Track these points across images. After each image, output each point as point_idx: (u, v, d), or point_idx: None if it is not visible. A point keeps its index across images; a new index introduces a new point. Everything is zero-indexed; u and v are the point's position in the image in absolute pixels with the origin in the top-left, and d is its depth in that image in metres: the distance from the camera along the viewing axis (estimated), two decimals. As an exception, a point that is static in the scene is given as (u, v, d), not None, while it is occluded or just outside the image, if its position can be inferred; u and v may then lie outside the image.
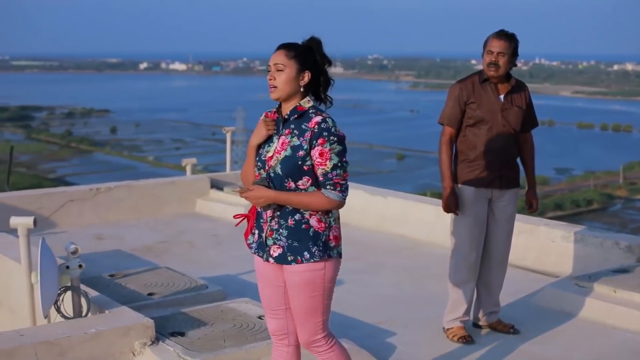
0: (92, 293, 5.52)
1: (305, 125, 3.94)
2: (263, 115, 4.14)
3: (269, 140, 4.05)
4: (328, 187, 3.91)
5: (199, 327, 5.38)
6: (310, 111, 3.99)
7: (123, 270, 7.02)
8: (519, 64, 5.87)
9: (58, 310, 5.24)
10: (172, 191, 10.22)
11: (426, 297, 6.83)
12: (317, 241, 3.93)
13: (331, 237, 3.99)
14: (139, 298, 6.14)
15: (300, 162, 3.90)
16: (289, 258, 3.94)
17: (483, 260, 5.86)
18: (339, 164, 3.92)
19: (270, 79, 4.01)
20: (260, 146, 4.09)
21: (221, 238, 8.99)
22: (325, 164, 3.89)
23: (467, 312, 5.80)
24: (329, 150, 3.89)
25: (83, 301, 5.28)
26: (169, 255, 8.19)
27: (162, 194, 10.16)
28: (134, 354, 5.00)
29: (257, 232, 4.09)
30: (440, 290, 6.44)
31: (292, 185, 3.92)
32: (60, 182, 65.27)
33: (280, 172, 3.93)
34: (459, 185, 5.76)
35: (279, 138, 4.00)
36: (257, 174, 4.05)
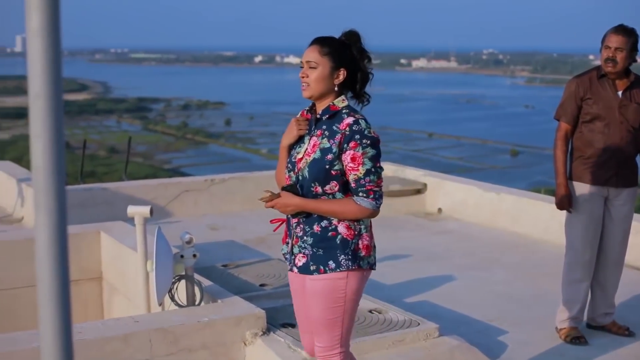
0: (206, 282, 5.60)
1: (336, 127, 3.68)
2: (299, 114, 3.93)
3: (300, 140, 3.83)
4: (360, 194, 3.62)
5: (310, 319, 5.40)
6: (344, 111, 3.72)
7: (236, 260, 7.10)
8: (639, 59, 5.68)
9: (172, 298, 5.34)
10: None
11: (539, 295, 6.69)
12: (345, 249, 3.65)
13: (361, 246, 3.69)
14: (251, 288, 6.20)
15: (328, 166, 3.64)
16: (312, 268, 3.69)
17: (598, 260, 5.70)
18: (373, 170, 3.62)
19: (302, 77, 3.76)
20: (292, 147, 3.87)
21: (332, 231, 9.02)
22: (358, 170, 3.61)
23: (580, 312, 5.66)
24: (362, 154, 3.60)
25: (196, 290, 5.36)
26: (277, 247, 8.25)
27: (275, 186, 10.21)
28: (245, 344, 5.04)
29: (289, 240, 3.87)
30: (553, 289, 6.29)
31: (319, 190, 3.68)
32: (176, 172, 66.70)
33: (308, 176, 3.70)
34: (574, 182, 5.62)
35: (310, 139, 3.77)
36: (287, 176, 3.84)
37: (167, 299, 5.30)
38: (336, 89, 3.75)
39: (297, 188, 3.73)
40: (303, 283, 3.81)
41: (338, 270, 3.64)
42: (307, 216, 3.72)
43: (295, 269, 3.79)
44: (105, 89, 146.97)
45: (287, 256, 3.87)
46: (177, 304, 5.34)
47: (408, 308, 5.84)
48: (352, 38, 3.81)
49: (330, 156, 3.64)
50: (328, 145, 3.67)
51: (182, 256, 5.28)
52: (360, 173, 3.61)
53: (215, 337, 4.97)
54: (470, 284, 6.99)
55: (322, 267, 3.66)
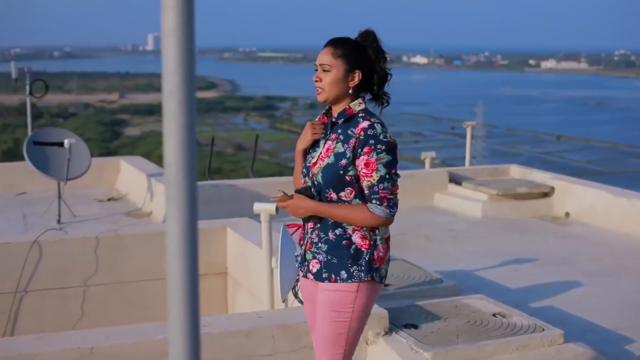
0: (328, 280, 5.62)
1: (351, 131, 3.56)
2: (317, 118, 3.83)
3: (316, 145, 3.73)
4: (374, 201, 3.51)
5: (432, 320, 5.36)
6: (360, 115, 3.60)
7: (358, 259, 7.11)
8: None
9: (295, 295, 5.38)
10: (411, 184, 10.25)
11: (672, 305, 6.45)
12: (358, 260, 3.53)
13: (375, 258, 3.56)
14: (373, 288, 6.19)
15: (342, 172, 3.53)
16: (324, 275, 3.59)
17: None
18: (387, 176, 3.50)
19: (316, 80, 3.66)
20: (307, 152, 3.77)
21: (457, 233, 8.93)
22: (371, 176, 3.49)
23: None
24: (376, 160, 3.48)
25: (319, 288, 5.39)
26: (406, 247, 8.22)
27: (400, 186, 10.16)
28: (367, 343, 5.04)
29: (302, 244, 3.78)
30: (687, 299, 6.06)
31: (334, 196, 3.57)
32: (302, 171, 67.17)
33: (322, 181, 3.60)
34: None
35: (325, 143, 3.67)
36: (302, 181, 3.75)
37: (290, 296, 5.35)
38: (351, 91, 3.64)
39: (311, 191, 3.65)
40: (316, 290, 3.70)
41: (349, 281, 3.52)
42: (321, 222, 3.61)
43: (310, 275, 3.67)
44: (233, 87, 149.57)
45: (299, 261, 3.78)
46: (300, 301, 5.38)
47: (532, 313, 5.72)
48: (367, 38, 3.68)
49: (344, 161, 3.54)
50: (342, 149, 3.56)
51: (305, 254, 5.32)
52: (374, 180, 3.50)
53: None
54: (598, 290, 6.80)
55: (333, 276, 3.55)
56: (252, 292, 6.78)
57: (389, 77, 3.71)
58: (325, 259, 3.58)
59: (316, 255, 3.63)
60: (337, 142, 3.59)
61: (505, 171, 11.02)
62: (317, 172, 3.61)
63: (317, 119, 3.82)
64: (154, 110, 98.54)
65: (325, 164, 3.58)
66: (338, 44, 3.64)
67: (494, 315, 5.42)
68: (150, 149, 57.11)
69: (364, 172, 3.50)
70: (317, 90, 3.67)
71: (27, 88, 10.44)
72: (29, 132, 10.06)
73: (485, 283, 6.64)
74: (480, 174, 10.78)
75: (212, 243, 7.18)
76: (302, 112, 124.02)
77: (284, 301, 5.33)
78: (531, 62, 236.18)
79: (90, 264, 6.97)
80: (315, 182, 3.63)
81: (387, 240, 3.64)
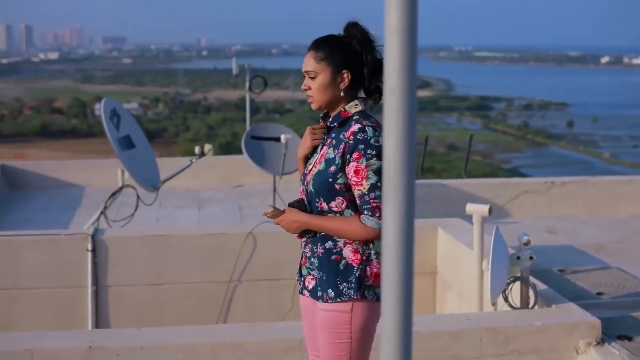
0: (540, 286, 5.49)
1: (343, 135, 3.29)
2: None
3: (314, 151, 3.48)
4: (366, 212, 3.21)
5: (649, 333, 5.13)
6: (354, 117, 3.31)
7: (573, 266, 6.91)
8: None
9: (506, 299, 5.30)
10: (629, 190, 9.85)
11: None
12: (347, 277, 3.26)
13: (368, 274, 3.27)
14: (586, 296, 6.01)
15: (331, 179, 3.26)
16: (319, 293, 3.35)
17: None
18: (379, 184, 3.18)
19: (305, 89, 3.38)
20: (308, 158, 3.51)
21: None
22: (362, 184, 3.20)
23: None
24: (366, 167, 3.18)
25: (531, 293, 5.28)
26: (622, 255, 7.89)
27: (618, 192, 9.83)
28: (577, 352, 4.89)
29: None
30: None
31: (325, 206, 3.31)
32: (514, 173, 66.13)
33: (312, 190, 3.34)
34: None
35: (321, 149, 3.40)
36: (301, 189, 3.48)
37: (500, 299, 5.27)
38: (342, 94, 3.34)
39: (304, 204, 3.41)
40: (313, 307, 3.47)
41: (338, 300, 3.27)
42: (314, 235, 3.37)
43: (306, 292, 3.45)
44: (447, 87, 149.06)
45: (297, 277, 3.55)
46: (510, 305, 5.29)
47: None
48: (349, 31, 3.37)
49: (332, 168, 3.27)
50: (332, 155, 3.30)
51: (518, 257, 5.23)
52: (365, 188, 3.20)
53: (547, 342, 4.87)
54: None
55: (325, 295, 3.31)
56: (461, 293, 6.73)
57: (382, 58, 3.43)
58: (319, 276, 3.35)
59: (310, 271, 3.41)
60: (329, 148, 3.35)
61: None
62: (310, 180, 3.37)
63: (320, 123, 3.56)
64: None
65: (316, 170, 3.34)
66: (319, 47, 3.36)
67: None
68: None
69: (354, 180, 3.23)
70: (309, 99, 3.40)
71: (247, 84, 10.85)
72: (247, 127, 10.45)
73: None
74: None
75: (422, 242, 7.18)
76: (517, 113, 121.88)
77: (493, 304, 5.27)
78: None
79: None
80: (308, 191, 3.39)
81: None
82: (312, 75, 3.34)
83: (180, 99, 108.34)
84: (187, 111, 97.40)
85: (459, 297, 6.78)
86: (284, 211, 3.42)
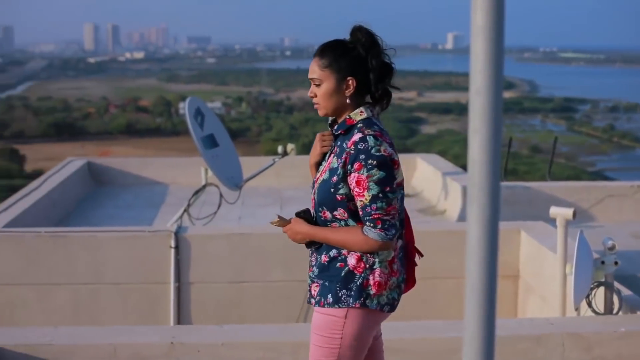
0: (625, 292, 5.39)
1: (345, 144, 3.21)
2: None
3: (324, 158, 3.40)
4: (368, 223, 3.14)
5: None
6: (358, 125, 3.22)
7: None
8: None
9: (589, 304, 5.21)
10: None
11: None
12: (348, 284, 3.18)
13: (371, 282, 3.18)
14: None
15: (332, 190, 3.20)
16: (317, 298, 3.28)
17: None
18: (380, 195, 3.11)
19: (311, 96, 3.32)
20: (319, 165, 3.43)
21: None
22: (363, 195, 3.12)
23: None
24: (367, 177, 3.10)
25: (615, 298, 5.19)
26: None
27: None
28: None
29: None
30: None
31: (328, 215, 3.24)
32: (599, 176, 64.95)
33: (316, 199, 3.30)
34: None
35: (328, 157, 3.34)
36: (312, 197, 3.38)
37: (583, 304, 5.19)
38: (348, 101, 3.26)
39: (310, 214, 3.36)
40: None
41: (336, 306, 3.19)
42: (320, 245, 3.31)
43: (313, 301, 3.34)
44: (532, 88, 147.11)
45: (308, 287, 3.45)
46: (593, 311, 5.20)
47: None
48: (355, 36, 3.28)
49: (335, 178, 3.21)
50: (336, 165, 3.23)
51: (602, 262, 5.13)
52: (366, 199, 3.12)
53: (632, 349, 4.78)
54: None
55: (323, 300, 3.24)
56: (543, 297, 6.63)
57: (393, 69, 3.29)
58: (321, 283, 3.28)
59: (313, 280, 3.34)
60: (335, 156, 3.29)
61: None
62: (316, 189, 3.33)
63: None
64: (451, 109, 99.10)
65: (321, 180, 3.30)
66: (323, 53, 3.29)
67: None
68: (445, 148, 57.52)
69: (356, 192, 3.16)
70: (315, 106, 3.35)
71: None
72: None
73: None
74: None
75: (505, 245, 7.10)
76: (603, 115, 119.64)
77: (576, 309, 5.18)
78: None
79: (383, 257, 7.13)
80: (314, 200, 3.35)
81: (390, 264, 3.24)
82: (317, 83, 3.29)
83: (263, 98, 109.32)
84: (270, 111, 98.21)
85: (541, 301, 6.69)
86: (290, 221, 3.38)
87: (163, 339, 4.63)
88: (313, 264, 3.35)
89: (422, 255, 3.48)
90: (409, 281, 3.41)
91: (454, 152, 53.58)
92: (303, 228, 3.30)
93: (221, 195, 8.21)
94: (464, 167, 9.98)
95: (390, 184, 3.13)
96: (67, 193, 9.63)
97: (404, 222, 3.35)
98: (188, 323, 6.92)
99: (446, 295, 7.12)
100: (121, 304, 7.02)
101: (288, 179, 11.15)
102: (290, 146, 8.63)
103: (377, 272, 3.19)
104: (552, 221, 5.74)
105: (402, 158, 10.77)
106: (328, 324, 3.21)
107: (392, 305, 3.27)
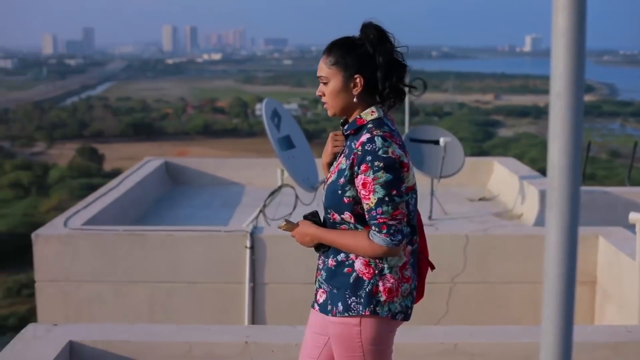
0: None
1: (354, 145, 3.08)
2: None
3: (335, 158, 3.28)
4: (373, 227, 3.00)
5: None
6: (368, 126, 3.09)
7: None
8: None
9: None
10: None
11: None
12: (357, 290, 3.05)
13: (380, 289, 3.05)
14: None
15: (340, 192, 3.08)
16: (328, 307, 3.16)
17: None
18: (386, 198, 2.97)
19: (319, 95, 3.22)
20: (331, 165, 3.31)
21: None
22: (369, 198, 2.99)
23: None
24: (372, 180, 2.97)
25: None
26: None
27: None
28: None
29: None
30: None
31: (337, 217, 3.13)
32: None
33: (324, 200, 3.17)
34: None
35: (339, 158, 3.22)
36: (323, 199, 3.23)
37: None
38: (355, 100, 3.13)
39: (318, 216, 3.26)
40: (322, 322, 3.26)
41: (346, 314, 3.07)
42: (328, 248, 3.21)
43: (316, 306, 3.26)
44: (611, 91, 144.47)
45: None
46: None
47: None
48: (363, 32, 3.13)
49: (342, 179, 3.09)
50: (344, 166, 3.10)
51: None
52: (372, 203, 2.99)
53: None
54: None
55: (334, 308, 3.12)
56: (621, 304, 6.52)
57: (405, 67, 3.15)
58: (329, 289, 3.18)
59: (321, 284, 3.25)
60: (344, 157, 3.17)
61: None
62: (325, 190, 3.22)
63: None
64: (529, 112, 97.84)
65: (330, 181, 3.18)
66: (330, 51, 3.17)
67: None
68: (522, 151, 56.77)
69: (362, 194, 3.03)
70: (324, 105, 3.24)
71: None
72: (406, 130, 10.44)
73: None
74: None
75: (582, 250, 7.00)
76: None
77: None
78: None
79: (458, 261, 7.09)
80: (323, 202, 3.23)
81: (401, 270, 3.11)
82: (324, 81, 3.20)
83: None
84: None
85: (618, 308, 6.57)
86: (297, 224, 3.30)
87: (237, 338, 4.67)
88: (321, 267, 3.28)
89: (433, 268, 3.40)
90: (418, 293, 3.31)
91: (531, 155, 52.86)
92: (311, 230, 3.22)
93: (297, 197, 8.25)
94: (541, 171, 9.86)
95: (397, 187, 3.00)
96: (144, 192, 9.78)
97: (416, 229, 3.26)
98: (262, 323, 6.97)
99: (522, 300, 7.04)
100: (196, 303, 7.11)
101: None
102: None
103: (388, 277, 3.08)
104: (631, 227, 5.64)
105: (478, 161, 10.72)
106: (346, 333, 3.12)
107: (405, 314, 3.16)
